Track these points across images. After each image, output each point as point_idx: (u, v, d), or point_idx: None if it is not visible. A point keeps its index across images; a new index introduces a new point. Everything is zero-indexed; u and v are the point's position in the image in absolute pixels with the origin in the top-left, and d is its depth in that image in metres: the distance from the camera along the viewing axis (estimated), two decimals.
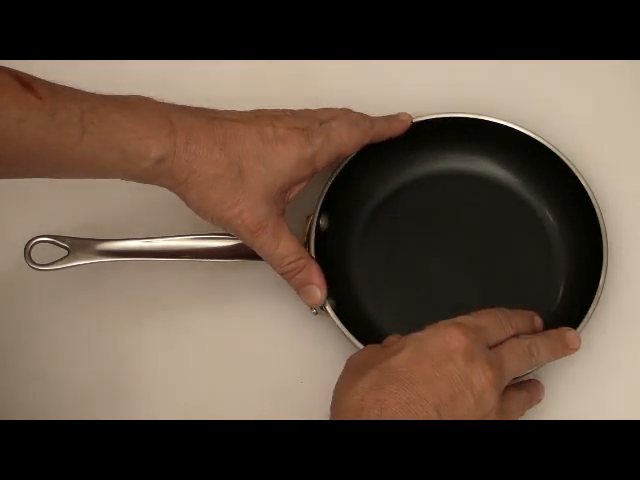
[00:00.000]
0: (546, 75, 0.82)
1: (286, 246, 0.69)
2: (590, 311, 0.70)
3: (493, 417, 0.61)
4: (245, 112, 0.70)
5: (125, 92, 0.67)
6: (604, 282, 0.71)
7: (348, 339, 0.70)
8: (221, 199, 0.67)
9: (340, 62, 0.81)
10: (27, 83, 0.62)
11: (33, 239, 0.73)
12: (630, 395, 0.73)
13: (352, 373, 0.61)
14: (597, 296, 0.70)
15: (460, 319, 0.63)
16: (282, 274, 0.71)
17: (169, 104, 0.68)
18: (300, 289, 0.71)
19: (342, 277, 0.75)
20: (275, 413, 0.71)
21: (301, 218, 0.74)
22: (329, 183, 0.74)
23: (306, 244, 0.73)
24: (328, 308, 0.71)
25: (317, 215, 0.73)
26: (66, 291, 0.77)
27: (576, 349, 0.67)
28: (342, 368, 0.73)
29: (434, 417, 0.57)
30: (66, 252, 0.73)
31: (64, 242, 0.73)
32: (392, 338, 0.65)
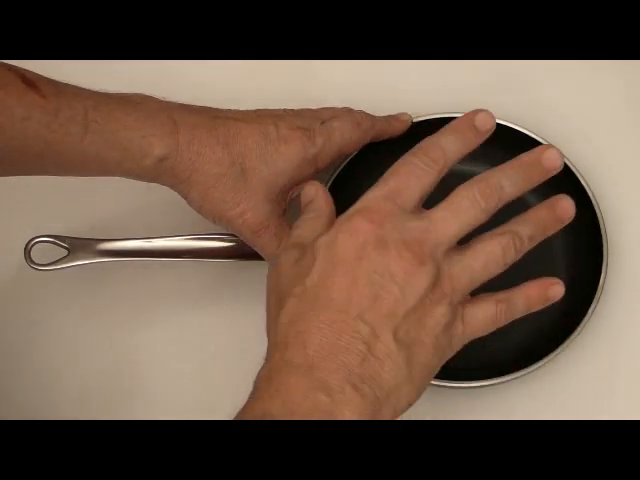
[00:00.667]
0: (546, 75, 0.82)
1: None
2: (590, 311, 0.70)
3: (433, 292, 0.55)
4: (247, 111, 0.70)
5: (126, 92, 0.67)
6: (604, 282, 0.71)
7: None
8: (223, 198, 0.67)
9: (340, 62, 0.81)
10: (31, 81, 0.63)
11: (33, 239, 0.73)
12: (630, 395, 0.73)
13: (275, 303, 0.58)
14: (597, 296, 0.70)
15: (364, 199, 0.57)
16: None
17: (172, 103, 0.68)
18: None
19: None
20: None
21: None
22: (329, 183, 0.74)
23: None
24: None
25: None
26: (66, 291, 0.77)
27: (557, 168, 0.59)
28: None
29: (362, 329, 0.54)
30: (66, 252, 0.73)
31: (64, 242, 0.73)
32: (309, 232, 0.60)
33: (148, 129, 0.65)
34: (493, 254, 0.58)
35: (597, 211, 0.73)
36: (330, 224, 0.59)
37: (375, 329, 0.54)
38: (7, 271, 0.78)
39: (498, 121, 0.75)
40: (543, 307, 0.61)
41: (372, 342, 0.54)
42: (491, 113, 0.60)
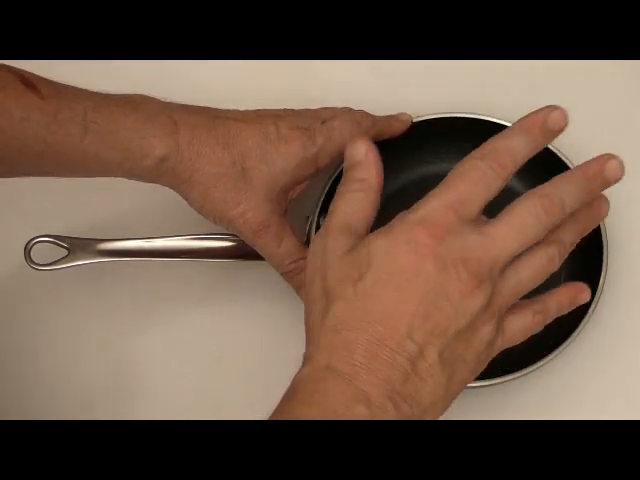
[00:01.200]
0: (546, 75, 0.82)
1: (288, 246, 0.69)
2: (590, 310, 0.70)
3: (484, 313, 0.54)
4: (247, 111, 0.70)
5: (125, 92, 0.67)
6: (604, 282, 0.71)
7: None
8: (223, 198, 0.67)
9: (340, 62, 0.81)
10: (30, 82, 0.63)
11: (33, 239, 0.73)
12: (630, 395, 0.73)
13: (320, 298, 0.56)
14: (597, 296, 0.70)
15: (428, 206, 0.55)
16: (283, 274, 0.71)
17: (172, 103, 0.68)
18: (301, 289, 0.71)
19: None
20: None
21: (301, 218, 0.74)
22: (329, 183, 0.74)
23: (306, 244, 0.72)
24: None
25: (317, 215, 0.73)
26: (66, 291, 0.77)
27: (619, 178, 0.58)
28: None
29: (409, 347, 0.53)
30: (66, 252, 0.73)
31: (64, 242, 0.73)
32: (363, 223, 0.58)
33: (148, 130, 0.65)
34: (541, 266, 0.57)
35: None
36: (378, 201, 0.58)
37: (422, 348, 0.54)
38: (7, 271, 0.78)
39: (498, 121, 0.76)
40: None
41: (417, 361, 0.53)
42: (564, 110, 0.56)
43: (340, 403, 0.53)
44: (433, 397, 0.55)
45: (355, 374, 0.53)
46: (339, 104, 0.73)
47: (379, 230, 0.56)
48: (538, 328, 0.60)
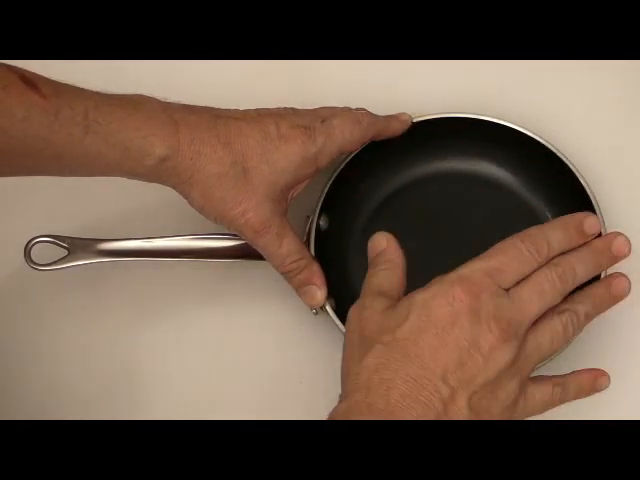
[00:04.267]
0: (546, 75, 0.82)
1: (289, 246, 0.69)
2: None
3: (509, 369, 0.58)
4: (248, 111, 0.70)
5: (126, 92, 0.67)
6: None
7: None
8: (224, 198, 0.67)
9: (340, 62, 0.81)
10: (31, 82, 0.63)
11: (33, 239, 0.73)
12: (630, 395, 0.73)
13: (359, 345, 0.59)
14: None
15: (468, 269, 0.59)
16: (283, 273, 0.71)
17: (173, 103, 0.68)
18: (301, 289, 0.71)
19: (342, 277, 0.75)
20: (275, 413, 0.71)
21: (301, 218, 0.74)
22: (329, 183, 0.74)
23: (306, 244, 0.73)
24: (328, 308, 0.71)
25: (317, 215, 0.73)
26: (66, 291, 0.77)
27: (625, 256, 0.62)
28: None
29: (443, 389, 0.56)
30: (66, 252, 0.73)
31: (64, 242, 0.73)
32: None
33: (149, 129, 0.65)
34: (557, 332, 0.61)
35: (597, 211, 0.72)
36: (404, 275, 0.63)
37: (454, 392, 0.57)
38: (7, 271, 0.78)
39: (498, 121, 0.76)
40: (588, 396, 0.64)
41: (449, 403, 0.56)
42: (598, 219, 0.62)
43: None
44: None
45: (391, 411, 0.55)
46: (339, 104, 0.73)
47: (418, 289, 0.60)
48: (557, 404, 0.63)
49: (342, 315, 0.71)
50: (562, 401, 0.63)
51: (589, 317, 0.62)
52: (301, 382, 0.74)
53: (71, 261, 0.73)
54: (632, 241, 0.75)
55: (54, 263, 0.73)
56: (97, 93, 0.66)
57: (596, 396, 0.72)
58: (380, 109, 0.74)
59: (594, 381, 0.64)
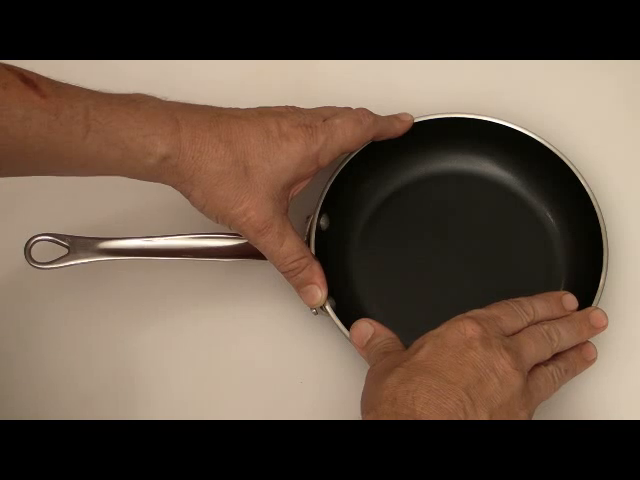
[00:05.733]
0: (546, 75, 0.82)
1: (290, 245, 0.69)
2: None
3: (520, 398, 0.61)
4: (249, 109, 0.70)
5: (125, 92, 0.67)
6: (604, 282, 0.71)
7: (348, 339, 0.70)
8: (226, 197, 0.67)
9: (340, 62, 0.81)
10: (31, 81, 0.63)
11: (34, 237, 0.73)
12: (630, 395, 0.73)
13: (377, 376, 0.62)
14: (597, 296, 0.70)
15: (473, 313, 0.64)
16: (284, 273, 0.70)
17: (173, 102, 0.68)
18: (301, 289, 0.71)
19: (342, 277, 0.75)
20: (275, 413, 0.71)
21: (302, 218, 0.74)
22: (330, 183, 0.74)
23: (306, 244, 0.72)
24: (328, 308, 0.71)
25: (317, 215, 0.73)
26: (66, 290, 0.77)
27: (603, 327, 0.67)
28: (341, 368, 0.73)
29: (466, 400, 0.58)
30: (66, 251, 0.73)
31: (64, 240, 0.73)
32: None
33: (150, 128, 0.65)
34: (549, 379, 0.65)
35: (597, 211, 0.73)
36: (401, 345, 0.67)
37: (476, 405, 0.59)
38: (7, 269, 0.78)
39: (498, 121, 0.76)
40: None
41: (471, 414, 0.59)
42: (575, 299, 0.68)
43: None
44: None
45: (419, 416, 0.57)
46: (339, 104, 0.73)
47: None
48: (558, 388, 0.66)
49: (342, 315, 0.71)
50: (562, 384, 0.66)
51: (568, 374, 0.66)
52: (301, 382, 0.74)
53: (71, 260, 0.73)
54: (632, 240, 0.76)
55: (54, 262, 0.73)
56: (97, 92, 0.66)
57: (595, 397, 0.73)
58: (380, 109, 0.74)
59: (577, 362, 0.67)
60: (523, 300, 0.67)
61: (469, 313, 0.64)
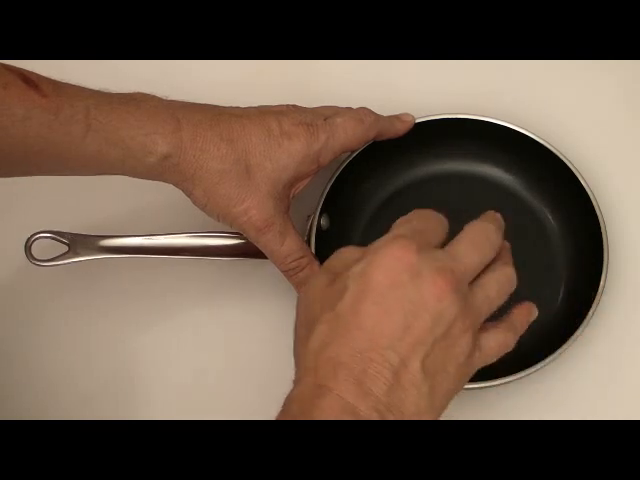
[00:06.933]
0: (546, 75, 0.82)
1: (291, 244, 0.69)
2: (591, 312, 0.70)
3: (462, 332, 0.55)
4: (249, 108, 0.70)
5: (126, 92, 0.67)
6: (605, 282, 0.71)
7: None
8: (227, 195, 0.67)
9: (340, 62, 0.81)
10: (32, 81, 0.63)
11: (34, 234, 0.73)
12: (630, 395, 0.73)
13: (305, 325, 0.57)
14: (597, 297, 0.70)
15: (396, 229, 0.58)
16: (284, 272, 0.71)
17: (174, 101, 0.68)
18: (301, 288, 0.71)
19: None
20: (275, 413, 0.71)
21: (302, 217, 0.74)
22: (330, 182, 0.74)
23: (306, 243, 0.73)
24: None
25: (318, 214, 0.73)
26: (66, 287, 0.77)
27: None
28: None
29: (392, 358, 0.54)
30: (67, 248, 0.73)
31: (65, 238, 0.73)
32: (339, 261, 0.59)
33: (151, 127, 0.65)
34: (501, 283, 0.59)
35: (597, 211, 0.73)
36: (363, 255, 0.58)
37: (404, 359, 0.54)
38: (7, 266, 0.78)
39: (499, 122, 0.76)
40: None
41: (400, 371, 0.54)
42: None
43: (329, 417, 0.53)
44: (417, 407, 0.55)
45: (341, 389, 0.53)
46: (339, 104, 0.73)
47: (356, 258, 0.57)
48: (512, 343, 0.60)
49: None
50: (515, 340, 0.60)
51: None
52: None
53: (71, 257, 0.73)
54: (632, 240, 0.76)
55: (54, 259, 0.73)
56: (98, 92, 0.66)
57: (595, 396, 0.73)
58: (380, 109, 0.74)
59: (528, 311, 0.62)
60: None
61: (391, 233, 0.57)
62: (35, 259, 0.72)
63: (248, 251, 0.72)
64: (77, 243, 0.73)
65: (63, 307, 0.77)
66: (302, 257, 0.70)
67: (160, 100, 0.67)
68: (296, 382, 0.56)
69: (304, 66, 0.82)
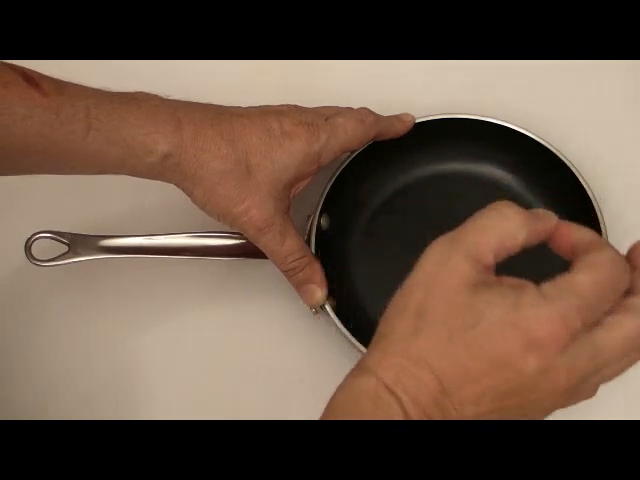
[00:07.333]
0: (546, 75, 0.82)
1: (291, 244, 0.69)
2: None
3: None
4: (250, 108, 0.70)
5: (127, 91, 0.67)
6: None
7: (348, 339, 0.70)
8: (228, 195, 0.67)
9: (341, 62, 0.81)
10: (33, 80, 0.63)
11: (34, 234, 0.73)
12: (630, 395, 0.73)
13: (417, 306, 0.53)
14: None
15: (563, 302, 0.51)
16: (284, 272, 0.71)
17: (175, 100, 0.68)
18: (301, 288, 0.71)
19: (342, 277, 0.75)
20: (275, 413, 0.71)
21: (302, 217, 0.74)
22: (330, 183, 0.74)
23: (307, 243, 0.73)
24: (328, 308, 0.71)
25: (318, 214, 0.73)
26: (66, 287, 0.77)
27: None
28: (341, 367, 0.73)
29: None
30: (67, 248, 0.73)
31: (65, 238, 0.73)
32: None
33: (151, 126, 0.65)
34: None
35: (597, 211, 0.73)
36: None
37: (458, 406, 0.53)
38: (7, 266, 0.78)
39: (499, 122, 0.76)
40: None
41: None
42: None
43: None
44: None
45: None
46: (339, 104, 0.73)
47: (509, 287, 0.54)
48: None
49: (342, 315, 0.71)
50: None
51: None
52: (301, 382, 0.74)
53: (72, 257, 0.73)
54: (632, 240, 0.76)
55: (55, 259, 0.73)
56: (99, 91, 0.66)
57: (595, 397, 0.72)
58: (380, 109, 0.74)
59: None
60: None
61: (559, 304, 0.51)
62: (35, 259, 0.72)
63: (248, 251, 0.72)
64: (77, 243, 0.73)
65: (63, 307, 0.77)
66: (302, 257, 0.70)
67: (161, 99, 0.67)
68: (370, 367, 0.52)
69: (304, 66, 0.82)
